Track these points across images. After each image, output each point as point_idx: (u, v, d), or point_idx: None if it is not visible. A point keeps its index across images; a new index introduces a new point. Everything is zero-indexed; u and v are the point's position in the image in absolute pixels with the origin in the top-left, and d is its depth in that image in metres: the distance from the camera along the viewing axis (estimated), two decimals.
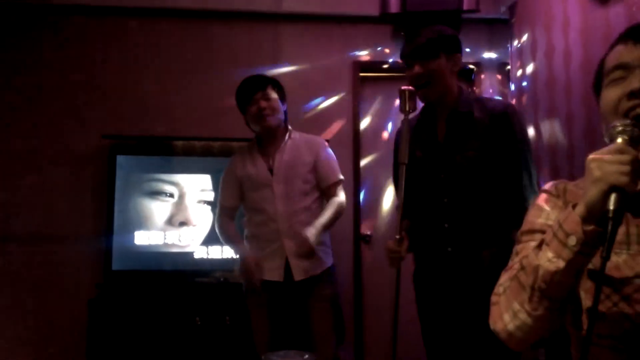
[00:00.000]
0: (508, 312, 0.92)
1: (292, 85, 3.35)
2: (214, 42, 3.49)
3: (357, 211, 3.43)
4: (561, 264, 0.82)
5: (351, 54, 3.54)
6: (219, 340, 2.96)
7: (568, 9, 2.71)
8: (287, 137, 2.45)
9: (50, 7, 3.34)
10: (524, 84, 3.20)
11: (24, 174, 3.29)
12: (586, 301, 0.92)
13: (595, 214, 0.80)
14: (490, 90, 3.62)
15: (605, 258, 0.77)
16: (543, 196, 1.04)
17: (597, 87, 1.02)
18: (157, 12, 3.42)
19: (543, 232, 0.94)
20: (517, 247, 1.00)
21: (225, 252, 3.17)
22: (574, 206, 0.84)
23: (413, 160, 1.98)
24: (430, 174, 1.98)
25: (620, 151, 0.80)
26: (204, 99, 3.43)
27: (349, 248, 3.40)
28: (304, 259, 2.32)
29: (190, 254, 3.22)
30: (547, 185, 1.05)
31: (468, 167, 1.89)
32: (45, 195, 3.28)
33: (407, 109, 1.98)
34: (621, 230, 0.89)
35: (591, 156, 0.82)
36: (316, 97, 3.48)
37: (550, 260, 0.84)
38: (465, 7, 3.06)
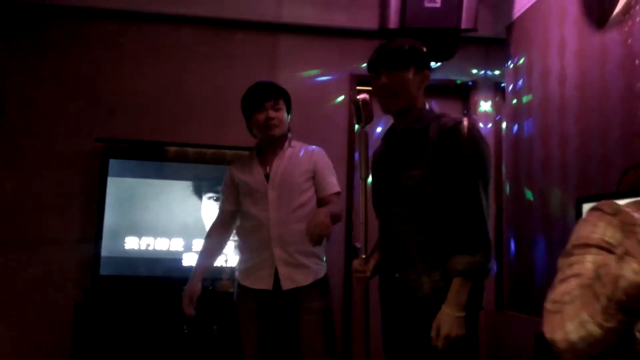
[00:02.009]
0: (573, 321, 0.87)
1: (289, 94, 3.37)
2: (211, 49, 3.49)
3: (349, 224, 3.42)
4: None
5: (349, 67, 3.56)
6: (207, 349, 2.93)
7: (565, 32, 2.76)
8: (286, 145, 2.45)
9: (44, 8, 3.31)
10: (519, 103, 3.24)
11: (14, 176, 3.25)
12: None
13: None
14: (485, 109, 3.65)
15: None
16: (595, 214, 0.99)
17: None
18: (154, 17, 3.42)
19: (600, 247, 0.92)
20: (570, 259, 0.96)
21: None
22: None
23: (376, 183, 1.92)
24: (382, 196, 1.90)
25: None
26: (200, 106, 3.43)
27: (340, 260, 3.39)
28: (303, 257, 2.32)
29: (179, 260, 3.19)
30: (600, 204, 1.00)
31: (413, 188, 1.78)
32: (35, 197, 3.24)
33: (363, 119, 1.87)
34: None
35: None
36: (313, 109, 3.49)
37: (635, 271, 0.79)
38: (463, 25, 3.09)
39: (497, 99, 3.65)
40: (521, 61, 3.24)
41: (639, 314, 0.83)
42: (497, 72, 3.62)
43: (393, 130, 1.96)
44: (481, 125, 3.62)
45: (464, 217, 1.72)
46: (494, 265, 1.76)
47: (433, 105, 1.92)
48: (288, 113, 2.44)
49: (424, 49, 1.90)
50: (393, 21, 3.19)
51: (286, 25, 3.50)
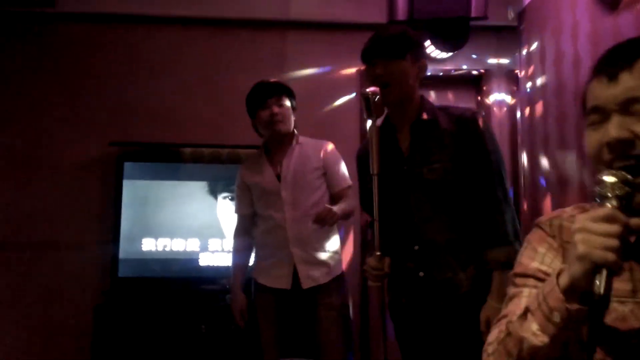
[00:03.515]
0: None
1: (298, 92, 3.33)
2: (220, 49, 3.50)
3: (363, 219, 3.40)
4: (546, 339, 0.79)
5: (358, 62, 3.52)
6: (225, 347, 2.95)
7: (577, 16, 2.69)
8: (294, 142, 2.43)
9: (54, 15, 3.36)
10: (533, 90, 3.18)
11: (30, 181, 3.30)
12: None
13: (579, 291, 0.76)
14: (499, 97, 3.60)
15: (590, 350, 0.76)
16: (537, 234, 0.97)
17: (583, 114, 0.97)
18: (164, 20, 3.44)
19: (537, 278, 0.91)
20: (511, 291, 0.95)
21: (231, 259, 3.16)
22: (558, 274, 0.80)
23: (380, 180, 1.76)
24: (397, 193, 1.79)
25: (608, 219, 0.74)
26: (211, 106, 3.44)
27: (355, 255, 3.38)
28: (321, 255, 2.32)
29: (196, 261, 3.21)
30: (542, 220, 0.98)
31: (436, 182, 1.72)
32: (51, 201, 3.29)
33: (373, 113, 1.74)
34: (625, 277, 0.82)
35: (577, 225, 0.76)
36: (323, 104, 3.48)
37: (534, 333, 0.80)
38: (473, 14, 3.04)
39: (510, 86, 3.59)
40: (534, 47, 3.18)
41: None
42: (509, 60, 3.56)
43: (389, 124, 1.88)
44: (495, 113, 3.57)
45: (494, 207, 1.69)
46: None
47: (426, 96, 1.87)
48: (293, 110, 2.43)
49: (419, 37, 1.84)
50: (401, 13, 3.15)
51: (293, 22, 3.49)
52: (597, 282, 0.73)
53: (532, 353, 0.81)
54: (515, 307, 0.89)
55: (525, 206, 3.33)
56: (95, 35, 3.44)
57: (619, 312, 0.82)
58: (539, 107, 3.10)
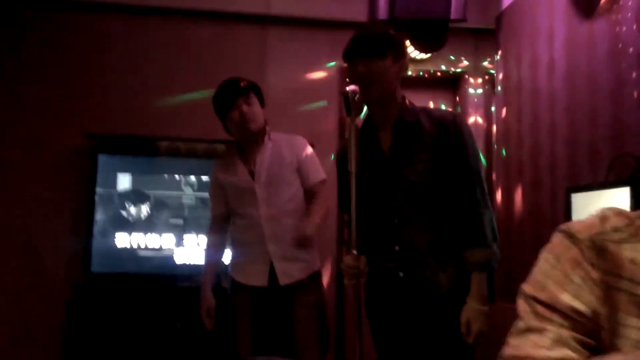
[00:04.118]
0: None
1: (278, 87, 3.35)
2: (201, 43, 3.47)
3: (341, 218, 3.42)
4: None
5: (339, 59, 3.54)
6: (200, 345, 2.93)
7: (553, 21, 2.75)
8: (266, 139, 2.42)
9: (33, 2, 3.28)
10: (509, 93, 3.24)
11: (3, 171, 3.22)
12: None
13: None
14: (475, 99, 3.65)
15: None
16: (571, 252, 0.74)
17: None
18: (143, 10, 3.39)
19: (567, 316, 0.71)
20: (531, 323, 0.73)
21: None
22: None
23: (360, 180, 1.75)
24: (378, 193, 1.79)
25: None
26: (190, 100, 3.40)
27: (332, 253, 3.39)
28: (298, 251, 2.31)
29: (171, 257, 3.18)
30: (581, 234, 0.74)
31: (418, 183, 1.73)
32: (23, 193, 3.22)
33: (353, 112, 1.74)
34: None
35: None
36: (303, 101, 3.48)
37: None
38: (452, 16, 3.08)
39: (487, 88, 3.65)
40: (510, 51, 3.23)
41: None
42: (486, 62, 3.62)
43: (370, 123, 1.87)
44: (471, 114, 3.63)
45: (473, 209, 1.72)
46: None
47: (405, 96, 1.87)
48: (262, 106, 2.41)
49: (401, 38, 1.84)
50: (382, 12, 3.17)
51: (275, 17, 3.48)
52: None
53: None
54: (535, 350, 0.70)
55: (497, 207, 3.40)
56: (72, 24, 3.36)
57: None
58: (514, 109, 3.16)
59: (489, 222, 1.73)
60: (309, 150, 2.47)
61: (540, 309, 0.73)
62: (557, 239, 0.77)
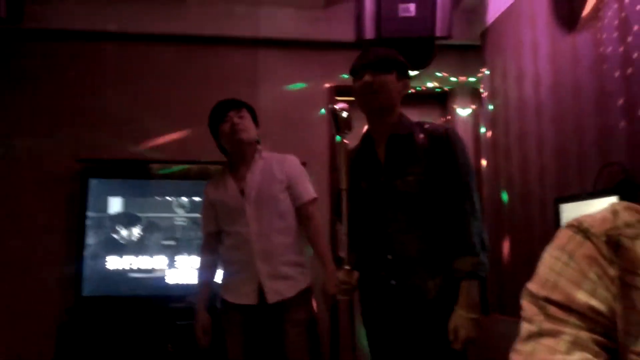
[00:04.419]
0: None
1: (269, 108, 3.37)
2: (191, 66, 3.50)
3: (333, 233, 3.41)
4: None
5: (328, 79, 3.58)
6: None
7: (537, 36, 2.80)
8: (257, 157, 2.44)
9: (22, 31, 3.31)
10: (496, 107, 3.27)
11: None
12: None
13: None
14: (463, 114, 3.69)
15: None
16: (585, 248, 0.69)
17: None
18: (135, 36, 3.42)
19: (585, 316, 0.65)
20: (544, 325, 0.67)
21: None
22: None
23: (358, 191, 1.88)
24: (374, 203, 1.88)
25: None
26: (181, 123, 3.42)
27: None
28: (287, 269, 2.32)
29: (163, 279, 3.16)
30: (596, 229, 0.69)
31: (410, 194, 1.80)
32: (16, 217, 3.20)
33: (341, 129, 1.82)
34: None
35: None
36: (293, 121, 3.50)
37: None
38: (438, 33, 3.12)
39: (474, 104, 3.69)
40: (496, 66, 3.28)
41: None
42: (473, 78, 3.67)
43: (369, 137, 1.96)
44: (460, 129, 3.65)
45: (462, 219, 1.76)
46: None
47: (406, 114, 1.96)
48: (255, 124, 2.44)
49: (404, 60, 1.95)
50: (369, 32, 3.21)
51: (264, 39, 3.52)
52: None
53: None
54: (550, 355, 0.65)
55: (487, 218, 3.40)
56: (63, 51, 3.40)
57: None
58: (502, 123, 3.19)
59: (477, 232, 1.76)
60: (300, 168, 2.48)
61: (553, 310, 0.67)
62: (566, 234, 0.71)
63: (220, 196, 2.41)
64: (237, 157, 2.43)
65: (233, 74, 3.51)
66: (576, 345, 0.64)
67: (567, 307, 0.66)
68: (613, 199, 1.92)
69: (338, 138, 1.87)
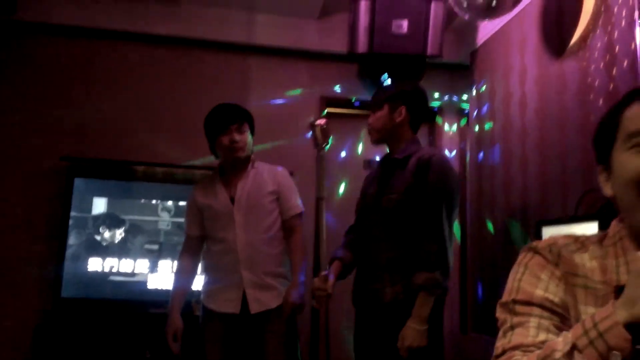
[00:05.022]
0: None
1: (259, 116, 3.36)
2: (181, 69, 3.49)
3: (317, 244, 3.41)
4: None
5: (319, 89, 3.61)
6: None
7: (525, 60, 2.86)
8: (250, 166, 2.44)
9: (11, 23, 3.26)
10: (482, 128, 3.33)
11: None
12: None
13: None
14: (450, 133, 3.74)
15: None
16: (536, 259, 0.90)
17: (606, 141, 0.91)
18: (125, 35, 3.40)
19: (543, 307, 0.85)
20: (513, 320, 0.86)
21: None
22: (615, 296, 0.74)
23: (361, 203, 2.24)
24: (366, 215, 2.16)
25: None
26: (168, 126, 3.40)
27: (307, 279, 3.37)
28: (271, 280, 2.35)
29: (144, 283, 3.13)
30: (541, 246, 0.91)
31: (388, 209, 2.03)
32: None
33: (320, 143, 2.16)
34: None
35: None
36: (282, 130, 3.51)
37: None
38: (429, 52, 3.17)
39: (461, 123, 3.74)
40: (484, 87, 3.34)
41: None
42: (461, 98, 3.72)
43: (385, 158, 2.24)
44: (446, 150, 3.70)
45: (426, 237, 1.94)
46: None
47: (417, 138, 2.19)
48: (252, 135, 2.45)
49: (401, 88, 2.17)
50: (362, 45, 3.25)
51: (257, 47, 3.53)
52: None
53: None
54: (523, 338, 0.82)
55: (470, 239, 3.45)
56: (53, 47, 3.36)
57: None
58: (487, 144, 3.24)
59: (438, 252, 1.92)
60: (291, 181, 2.50)
61: (519, 307, 0.86)
62: (522, 254, 0.94)
63: (209, 201, 2.41)
64: (229, 166, 2.43)
65: (223, 79, 3.51)
66: (540, 329, 0.83)
67: (529, 302, 0.86)
68: (594, 225, 1.97)
69: (324, 149, 2.25)
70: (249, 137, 2.41)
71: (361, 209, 2.22)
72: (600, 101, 2.23)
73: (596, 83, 2.27)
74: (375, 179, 2.20)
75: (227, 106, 2.44)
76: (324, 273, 2.07)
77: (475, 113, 3.46)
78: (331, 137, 2.31)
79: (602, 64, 2.24)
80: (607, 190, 0.91)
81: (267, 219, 2.38)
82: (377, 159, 2.35)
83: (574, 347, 0.73)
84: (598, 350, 0.71)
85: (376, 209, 2.08)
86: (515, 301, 0.87)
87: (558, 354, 0.74)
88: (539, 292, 0.86)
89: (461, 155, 3.69)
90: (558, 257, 0.89)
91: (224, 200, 2.38)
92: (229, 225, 2.35)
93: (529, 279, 0.89)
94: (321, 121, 2.14)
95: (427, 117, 2.32)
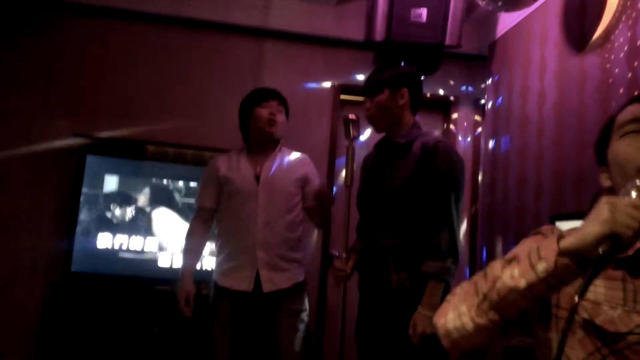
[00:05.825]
0: (454, 311, 0.93)
1: None
2: (196, 50, 3.47)
3: (326, 229, 3.42)
4: (522, 283, 0.82)
5: (333, 76, 3.58)
6: (176, 352, 2.89)
7: (545, 53, 2.83)
8: (277, 149, 2.45)
9: (32, 1, 3.26)
10: (498, 120, 3.30)
11: None
12: (577, 352, 0.88)
13: (579, 252, 0.78)
14: (465, 124, 3.71)
15: (580, 295, 0.78)
16: (537, 237, 1.01)
17: (603, 143, 1.02)
18: (141, 16, 3.39)
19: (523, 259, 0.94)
20: (504, 265, 0.97)
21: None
22: (561, 237, 0.82)
23: (362, 188, 2.20)
24: (368, 200, 2.13)
25: (634, 206, 0.77)
26: (181, 106, 3.40)
27: (316, 267, 3.39)
28: (285, 262, 2.36)
29: (154, 261, 3.15)
30: (544, 228, 1.03)
31: (391, 194, 2.00)
32: (8, 189, 3.17)
33: (351, 135, 2.14)
34: (618, 285, 0.89)
35: (606, 198, 0.78)
36: (296, 115, 3.48)
37: (512, 276, 0.84)
38: (447, 42, 3.14)
39: (476, 114, 3.71)
40: (502, 79, 3.31)
41: (513, 321, 0.87)
42: (478, 89, 3.69)
43: (383, 142, 2.19)
44: (460, 139, 3.68)
45: (436, 225, 1.92)
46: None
47: (418, 122, 2.14)
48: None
49: (400, 70, 2.13)
50: (379, 33, 3.22)
51: (272, 31, 3.50)
52: (606, 244, 0.75)
53: (501, 294, 0.85)
54: (499, 273, 0.91)
55: (481, 229, 3.44)
56: (67, 25, 3.35)
57: (608, 315, 0.87)
58: (502, 137, 3.22)
59: (447, 238, 1.91)
60: (316, 171, 2.55)
61: (505, 261, 0.91)
62: (528, 236, 1.04)
63: (232, 175, 2.40)
64: (257, 144, 2.43)
65: (237, 63, 3.50)
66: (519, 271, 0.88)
67: (515, 258, 0.90)
68: None
69: (354, 141, 2.19)
70: (285, 119, 2.45)
71: (363, 196, 2.17)
72: (621, 98, 2.20)
73: (617, 80, 2.24)
74: (375, 164, 2.17)
75: (269, 88, 2.52)
76: (344, 255, 2.11)
77: (490, 104, 3.43)
78: (359, 130, 2.24)
79: (624, 61, 2.21)
80: (606, 182, 0.99)
81: (289, 202, 2.39)
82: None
83: (513, 258, 0.86)
84: (530, 260, 0.83)
85: (378, 195, 2.05)
86: (508, 258, 0.92)
87: (498, 263, 0.89)
88: (525, 250, 0.90)
89: (475, 146, 3.67)
90: (554, 231, 0.97)
91: (250, 177, 2.37)
92: (251, 204, 2.34)
93: (523, 248, 0.94)
94: (353, 115, 2.13)
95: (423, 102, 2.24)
